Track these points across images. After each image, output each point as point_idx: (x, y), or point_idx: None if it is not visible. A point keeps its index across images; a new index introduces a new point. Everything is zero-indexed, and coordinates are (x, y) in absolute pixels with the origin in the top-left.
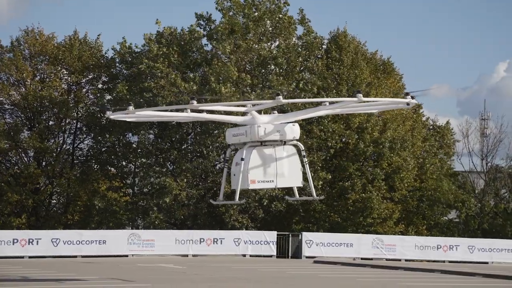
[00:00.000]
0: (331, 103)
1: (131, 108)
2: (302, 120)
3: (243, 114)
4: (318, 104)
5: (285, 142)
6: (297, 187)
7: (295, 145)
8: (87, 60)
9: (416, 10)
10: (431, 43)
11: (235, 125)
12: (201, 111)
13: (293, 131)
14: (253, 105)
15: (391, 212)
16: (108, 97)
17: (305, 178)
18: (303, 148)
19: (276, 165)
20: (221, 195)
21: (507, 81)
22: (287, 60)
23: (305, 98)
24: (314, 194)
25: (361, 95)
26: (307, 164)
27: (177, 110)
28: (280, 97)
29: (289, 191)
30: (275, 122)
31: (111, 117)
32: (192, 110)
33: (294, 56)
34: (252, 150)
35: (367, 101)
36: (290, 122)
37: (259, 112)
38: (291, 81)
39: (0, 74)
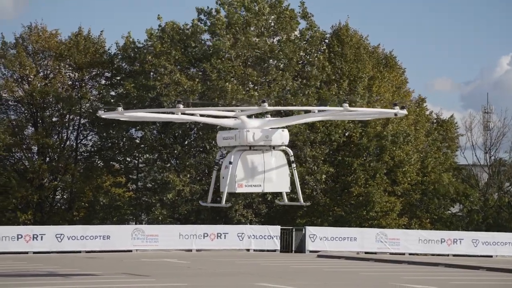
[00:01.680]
0: (319, 111)
1: (120, 109)
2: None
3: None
4: (307, 111)
5: (274, 147)
6: (291, 190)
7: (283, 151)
8: (91, 56)
9: (418, 4)
10: (434, 37)
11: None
12: (192, 114)
13: (282, 137)
14: (242, 110)
15: (393, 205)
16: (113, 93)
17: (293, 184)
18: (292, 154)
19: (264, 170)
20: (210, 198)
21: (510, 75)
22: (287, 55)
23: (308, 92)
24: (301, 200)
25: (346, 104)
26: (295, 170)
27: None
28: (266, 104)
29: (278, 195)
30: (265, 127)
31: (103, 116)
32: (183, 113)
33: (295, 50)
34: (241, 154)
35: (353, 111)
36: (280, 128)
37: (250, 116)
38: (292, 75)
39: (4, 71)
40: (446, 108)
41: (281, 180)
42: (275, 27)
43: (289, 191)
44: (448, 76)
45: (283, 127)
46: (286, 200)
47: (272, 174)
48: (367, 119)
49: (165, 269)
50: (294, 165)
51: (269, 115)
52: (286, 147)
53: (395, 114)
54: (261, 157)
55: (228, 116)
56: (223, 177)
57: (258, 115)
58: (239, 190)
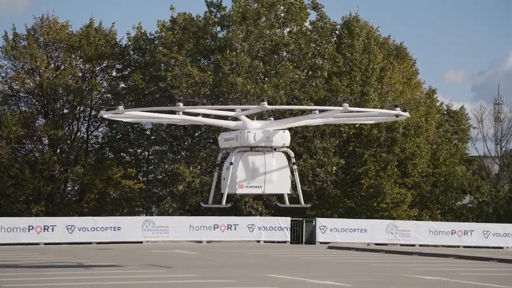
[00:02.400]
0: (321, 111)
1: (120, 108)
2: (314, 104)
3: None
4: (307, 111)
5: (275, 148)
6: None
7: (285, 152)
8: (102, 48)
9: None
10: (445, 28)
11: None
12: (197, 114)
13: (283, 138)
14: (242, 109)
15: (404, 197)
16: (122, 85)
17: (294, 186)
18: (293, 155)
19: (265, 171)
20: (211, 199)
21: None
22: (298, 46)
23: (316, 83)
24: (302, 201)
25: (346, 104)
26: (296, 172)
27: (168, 111)
28: (265, 103)
29: (280, 198)
30: (266, 128)
31: (104, 116)
32: (184, 113)
33: (306, 41)
34: (242, 155)
35: (354, 111)
36: (281, 129)
37: (253, 118)
38: (303, 68)
39: (15, 62)
40: (457, 100)
41: (282, 181)
42: (285, 18)
43: (290, 192)
44: (460, 68)
45: (285, 129)
46: (287, 202)
47: (273, 175)
48: (367, 122)
49: (175, 260)
50: (295, 166)
51: (272, 118)
52: (287, 149)
53: (396, 116)
54: (262, 158)
55: (229, 116)
56: (224, 179)
57: (259, 117)
58: (239, 191)
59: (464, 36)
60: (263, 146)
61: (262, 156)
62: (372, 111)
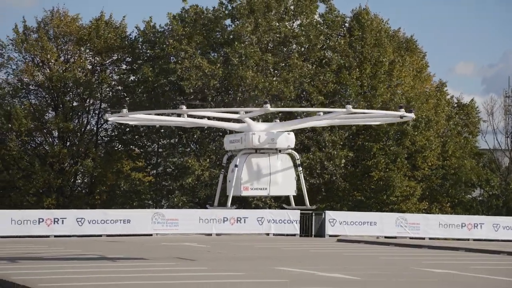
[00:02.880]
0: (325, 113)
1: (125, 110)
2: (324, 98)
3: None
4: (309, 114)
5: (279, 150)
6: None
7: (289, 154)
8: (112, 41)
9: None
10: (455, 20)
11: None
12: (202, 117)
13: (288, 140)
14: (246, 112)
15: (413, 190)
16: (133, 77)
17: (299, 187)
18: (298, 157)
19: (269, 173)
20: (217, 201)
21: None
22: (308, 39)
23: (326, 76)
24: (308, 203)
25: (350, 106)
26: (301, 173)
27: (171, 114)
28: (268, 105)
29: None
30: (271, 130)
31: (109, 118)
32: (189, 115)
33: (315, 34)
34: (247, 157)
35: (358, 113)
36: (285, 131)
37: (258, 120)
38: (313, 60)
39: (25, 55)
40: (467, 92)
41: (287, 183)
42: (295, 10)
43: (295, 194)
44: (470, 60)
45: (289, 131)
46: (293, 203)
47: (278, 177)
48: (373, 123)
49: (185, 252)
50: (300, 168)
51: (278, 119)
52: (292, 150)
53: (401, 117)
54: (267, 160)
55: (233, 118)
56: (229, 181)
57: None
58: (244, 193)
59: (475, 28)
60: (268, 148)
61: (267, 158)
62: (377, 112)
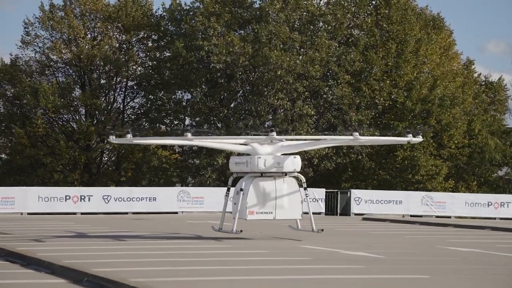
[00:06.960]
0: (331, 140)
1: (129, 136)
2: (350, 77)
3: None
4: (318, 140)
5: (286, 174)
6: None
7: (296, 177)
8: (138, 19)
9: None
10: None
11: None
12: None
13: (294, 164)
14: (251, 139)
15: (439, 169)
16: (165, 53)
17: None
18: (304, 181)
19: (275, 197)
20: (221, 224)
21: None
22: (335, 17)
23: (352, 55)
24: (314, 227)
25: (357, 134)
26: (308, 197)
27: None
28: (274, 133)
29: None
30: (277, 153)
31: (114, 141)
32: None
33: (343, 13)
34: (252, 180)
35: (364, 140)
36: (291, 154)
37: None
38: (339, 39)
39: (52, 33)
40: (498, 70)
41: (293, 207)
42: None
43: (301, 218)
44: (500, 38)
45: (295, 153)
46: (299, 225)
47: (284, 201)
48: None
49: (209, 230)
50: (306, 191)
51: (284, 139)
52: (299, 174)
53: (409, 142)
54: (273, 184)
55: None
56: (234, 203)
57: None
58: (250, 217)
59: (507, 5)
60: (274, 172)
61: (273, 181)
62: (383, 139)
